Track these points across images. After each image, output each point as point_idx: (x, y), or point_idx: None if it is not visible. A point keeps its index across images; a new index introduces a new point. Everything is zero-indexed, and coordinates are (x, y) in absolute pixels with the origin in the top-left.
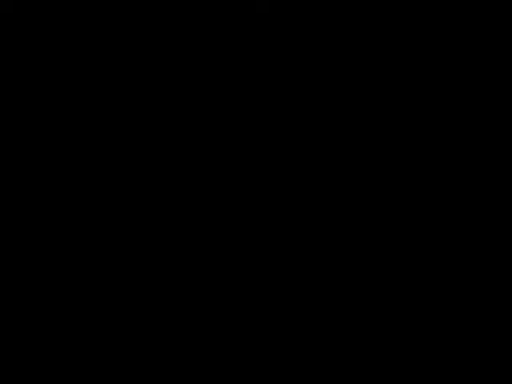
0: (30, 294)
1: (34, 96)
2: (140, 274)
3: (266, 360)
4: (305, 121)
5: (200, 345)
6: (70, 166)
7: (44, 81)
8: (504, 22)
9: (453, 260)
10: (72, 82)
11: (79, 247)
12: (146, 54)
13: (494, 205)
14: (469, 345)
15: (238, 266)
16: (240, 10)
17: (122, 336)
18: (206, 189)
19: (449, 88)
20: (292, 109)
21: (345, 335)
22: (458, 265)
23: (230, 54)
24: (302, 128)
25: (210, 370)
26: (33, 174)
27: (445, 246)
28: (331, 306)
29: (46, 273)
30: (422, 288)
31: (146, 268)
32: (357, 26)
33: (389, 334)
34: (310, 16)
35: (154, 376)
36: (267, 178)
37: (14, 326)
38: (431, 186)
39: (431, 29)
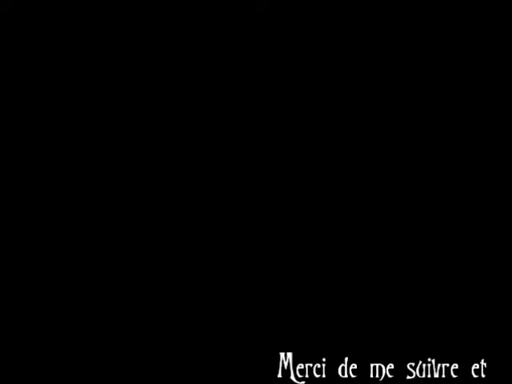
0: (29, 293)
1: (33, 95)
2: (140, 274)
3: (266, 359)
4: (304, 120)
5: (200, 345)
6: (70, 166)
7: (44, 80)
8: (504, 22)
9: (452, 259)
10: (72, 82)
11: (79, 247)
12: (146, 54)
13: (494, 205)
14: (469, 344)
15: (237, 265)
16: (240, 9)
17: (122, 335)
18: (206, 188)
19: (449, 88)
20: (292, 108)
21: (344, 334)
22: (457, 264)
23: (230, 54)
24: (301, 127)
25: (210, 370)
26: (33, 173)
27: (444, 245)
28: (331, 305)
29: (46, 272)
30: (421, 287)
31: (145, 267)
32: (356, 26)
33: (388, 334)
34: (309, 16)
35: (154, 376)
36: (267, 178)
37: (14, 326)
38: (431, 186)
39: (431, 29)
